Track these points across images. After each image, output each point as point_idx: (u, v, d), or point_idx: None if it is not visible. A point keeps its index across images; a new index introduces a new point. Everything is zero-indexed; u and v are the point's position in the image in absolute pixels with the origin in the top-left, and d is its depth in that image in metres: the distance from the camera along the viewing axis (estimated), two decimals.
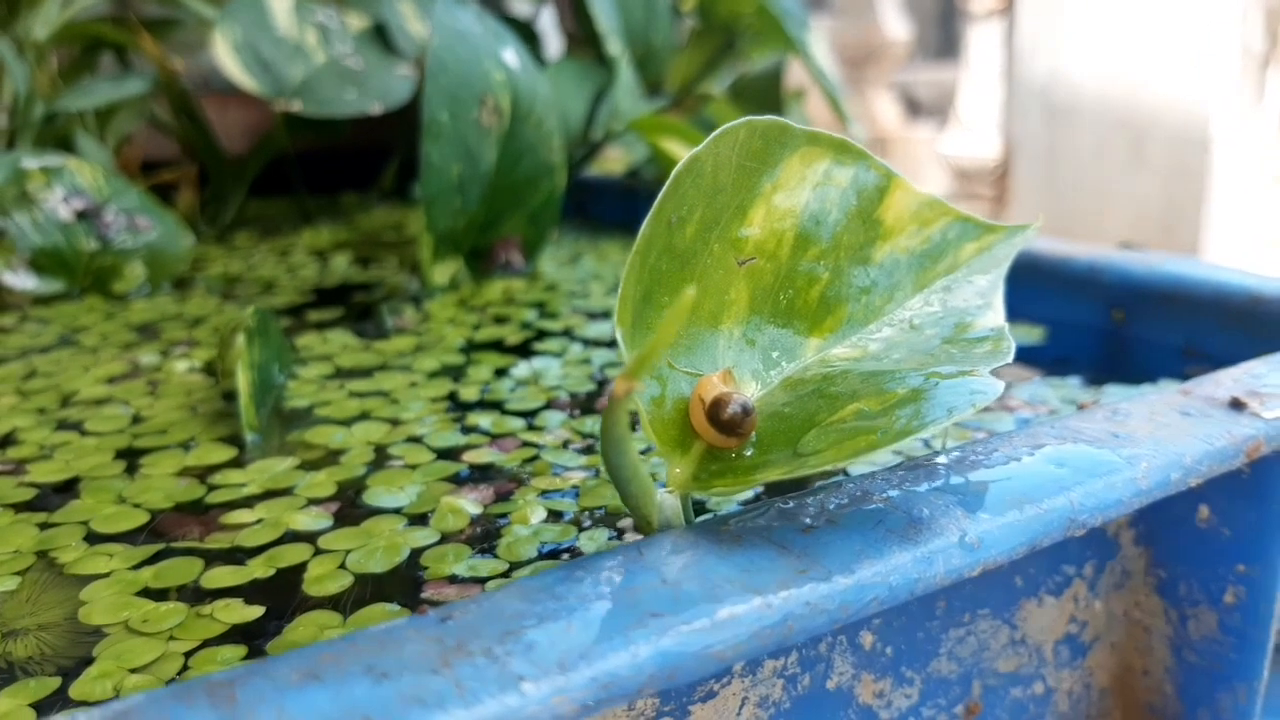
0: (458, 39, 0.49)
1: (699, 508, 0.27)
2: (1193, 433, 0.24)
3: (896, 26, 2.22)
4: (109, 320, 0.49)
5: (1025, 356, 0.42)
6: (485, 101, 0.50)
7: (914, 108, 2.52)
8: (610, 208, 0.74)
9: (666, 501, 0.21)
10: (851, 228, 0.24)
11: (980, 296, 0.25)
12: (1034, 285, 0.44)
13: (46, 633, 0.23)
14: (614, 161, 0.85)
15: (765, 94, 0.82)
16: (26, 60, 0.65)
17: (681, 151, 0.66)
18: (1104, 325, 0.42)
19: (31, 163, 0.54)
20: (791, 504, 0.20)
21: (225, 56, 0.67)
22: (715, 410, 0.20)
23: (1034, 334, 0.43)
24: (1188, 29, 1.49)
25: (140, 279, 0.54)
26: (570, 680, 0.15)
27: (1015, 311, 0.44)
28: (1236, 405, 0.25)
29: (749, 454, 0.21)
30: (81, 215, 0.54)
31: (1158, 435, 0.24)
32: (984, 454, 0.23)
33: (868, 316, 0.24)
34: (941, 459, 0.22)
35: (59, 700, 0.20)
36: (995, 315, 0.25)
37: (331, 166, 0.83)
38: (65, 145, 0.64)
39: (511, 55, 0.52)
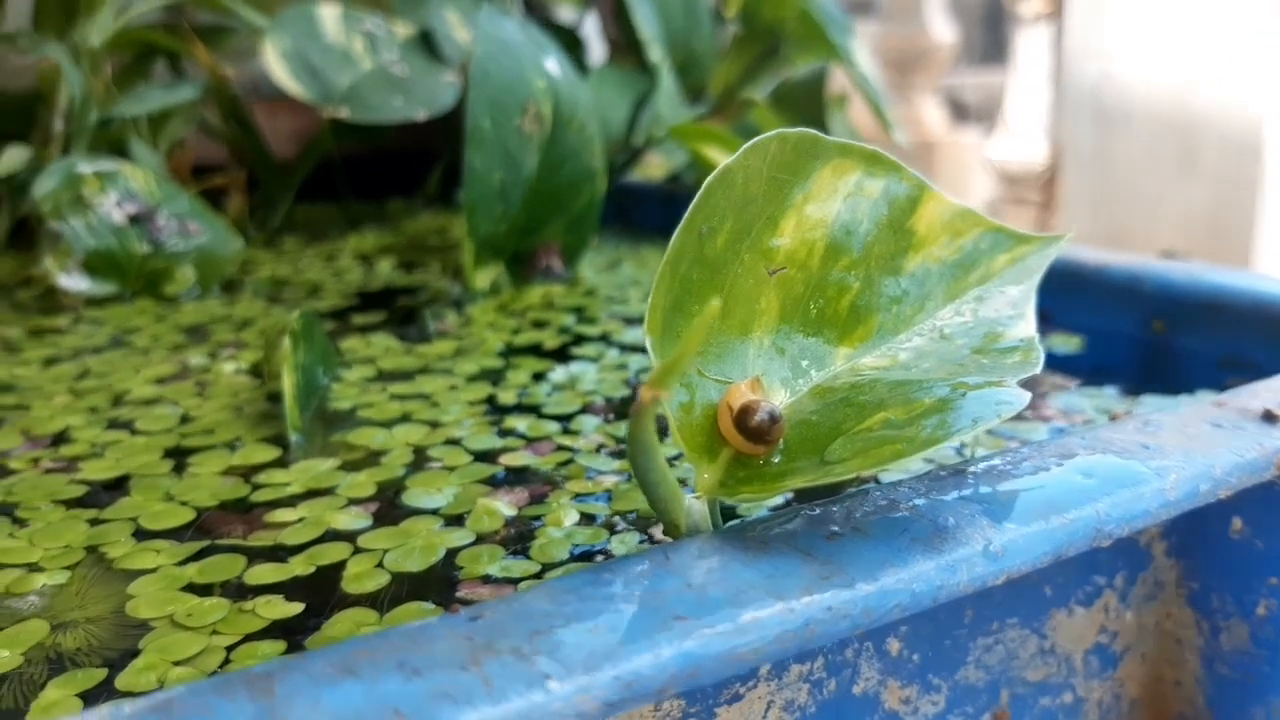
0: (501, 48, 0.50)
1: (729, 513, 0.27)
2: (1223, 444, 0.24)
3: (943, 30, 2.21)
4: (159, 322, 0.50)
5: (1064, 365, 0.42)
6: (527, 109, 0.51)
7: (961, 112, 2.50)
8: (650, 213, 0.74)
9: (694, 507, 0.21)
10: (882, 238, 0.25)
11: (1012, 307, 0.26)
12: (1074, 293, 0.44)
13: (95, 625, 0.24)
14: (655, 167, 0.85)
15: (807, 100, 0.82)
16: (82, 67, 0.67)
17: (721, 158, 0.66)
18: (1144, 335, 0.42)
19: (86, 168, 0.55)
20: (819, 511, 0.21)
21: (275, 64, 0.69)
22: (743, 418, 0.21)
23: (1072, 342, 0.43)
24: (1240, 32, 1.47)
25: (190, 282, 0.56)
26: (594, 679, 0.16)
27: (1054, 320, 0.44)
28: (1269, 417, 0.25)
29: (776, 461, 0.21)
30: (134, 219, 0.55)
31: (1188, 447, 0.24)
32: (1012, 463, 0.23)
33: (898, 326, 0.25)
34: (970, 468, 0.23)
35: (105, 691, 0.21)
36: (1026, 325, 0.25)
37: (377, 171, 0.84)
38: (119, 150, 0.66)
39: (553, 64, 0.53)
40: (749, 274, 0.23)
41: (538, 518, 0.28)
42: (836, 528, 0.20)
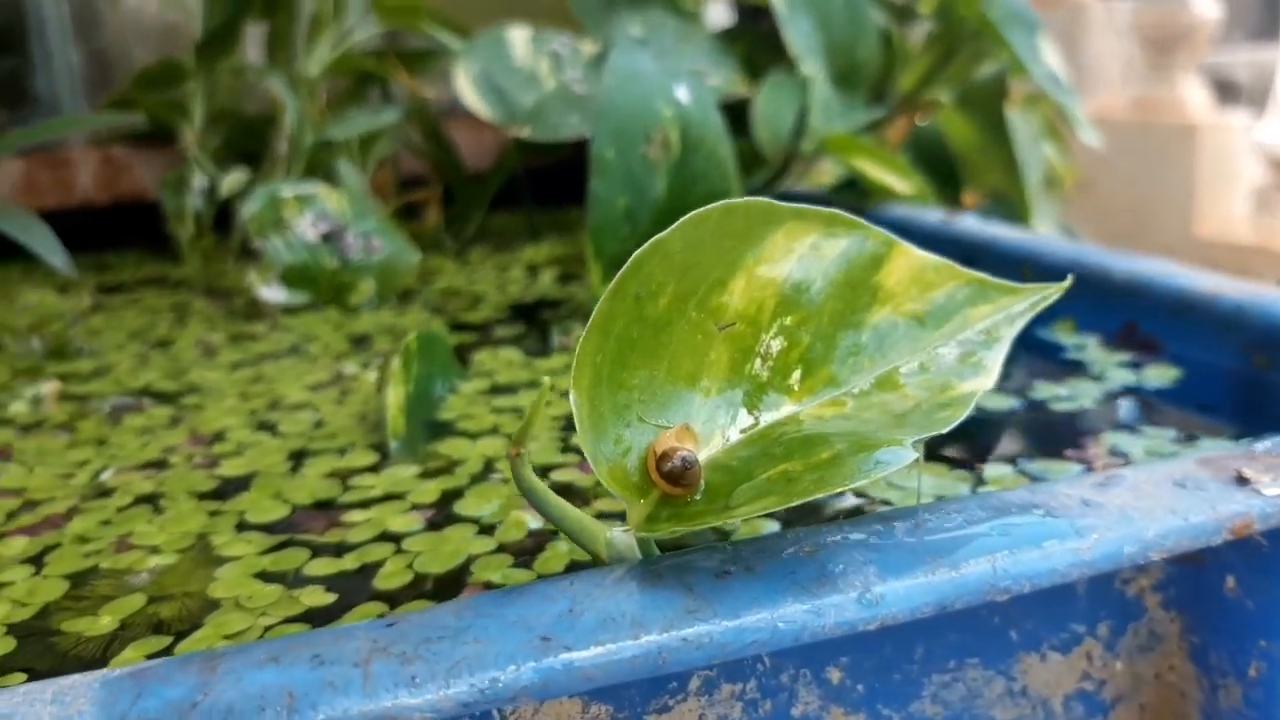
0: (629, 80, 0.54)
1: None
2: (1171, 506, 0.24)
3: (1205, 5, 2.03)
4: (336, 331, 0.58)
5: (1164, 399, 0.41)
6: (652, 137, 0.54)
7: (1230, 92, 2.29)
8: None
9: (618, 539, 0.24)
10: (838, 294, 0.27)
11: (977, 359, 0.27)
12: (1184, 323, 0.43)
13: (189, 600, 0.29)
14: (826, 174, 0.86)
15: (988, 101, 0.81)
16: (300, 95, 0.77)
17: (872, 172, 0.67)
18: (1244, 370, 0.40)
19: (288, 191, 0.64)
20: (727, 549, 0.23)
21: (465, 87, 0.76)
22: (660, 462, 0.23)
23: (1169, 375, 0.42)
24: None
25: (370, 293, 0.63)
26: (453, 684, 0.19)
27: (1165, 350, 0.43)
28: (1241, 480, 0.25)
29: (698, 500, 0.24)
30: (326, 237, 0.63)
31: (1132, 506, 0.24)
32: (936, 514, 0.24)
33: (851, 377, 0.26)
34: (894, 519, 0.24)
35: (165, 655, 0.26)
36: (984, 379, 0.26)
37: (562, 182, 0.90)
38: (330, 169, 0.75)
39: (684, 92, 0.56)
40: (696, 330, 0.25)
41: (556, 533, 0.32)
42: (732, 567, 0.23)
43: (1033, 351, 0.45)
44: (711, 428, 0.25)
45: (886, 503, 0.32)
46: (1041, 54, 0.78)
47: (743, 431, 0.25)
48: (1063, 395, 0.40)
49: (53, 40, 0.85)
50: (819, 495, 0.21)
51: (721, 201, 0.25)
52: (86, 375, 0.51)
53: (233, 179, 0.71)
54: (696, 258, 0.25)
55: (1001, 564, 0.22)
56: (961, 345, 0.27)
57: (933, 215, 0.61)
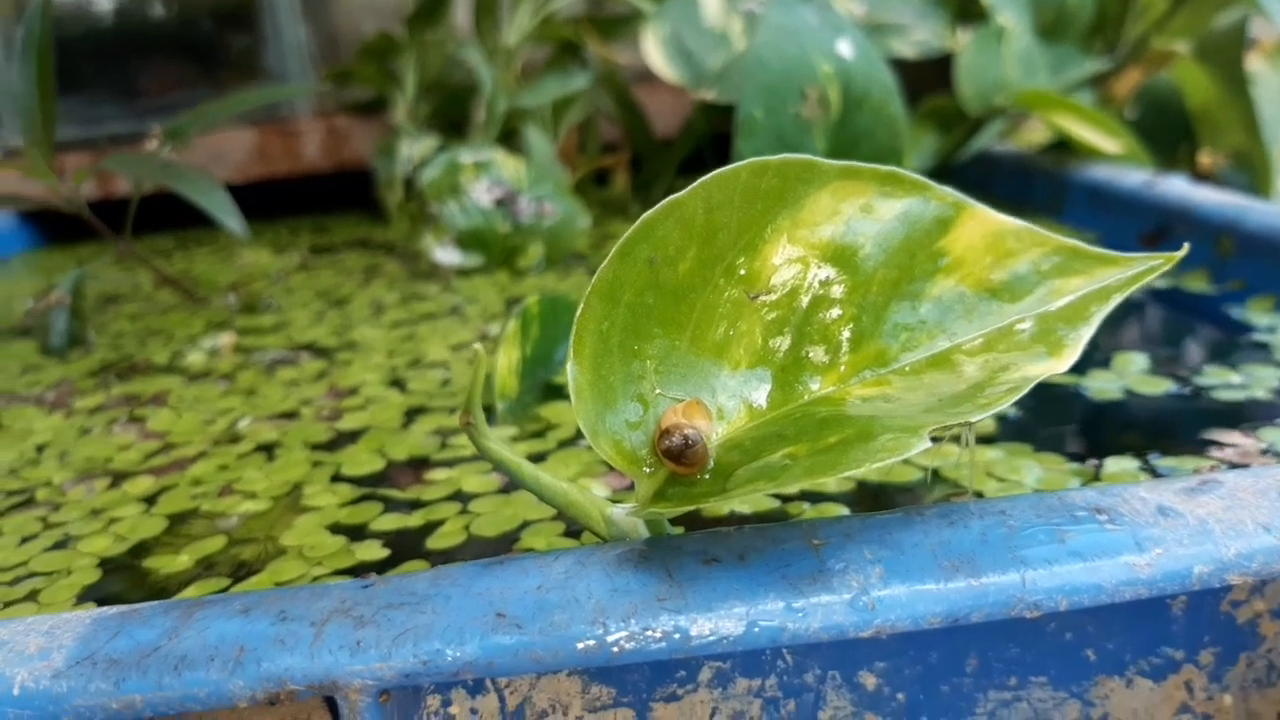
0: (784, 35, 0.51)
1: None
2: (1267, 520, 0.20)
3: None
4: (500, 293, 0.59)
5: None
6: (807, 95, 0.51)
7: None
8: (1009, 183, 0.70)
9: (620, 515, 0.23)
10: (893, 261, 0.24)
11: (1056, 338, 0.23)
12: None
13: (265, 545, 0.31)
14: (1037, 132, 0.79)
15: (1227, 52, 0.71)
16: (496, 64, 0.78)
17: (1074, 129, 0.61)
18: None
19: (467, 158, 0.65)
20: (729, 535, 0.22)
21: (652, 49, 0.75)
22: (661, 439, 0.22)
23: None
24: None
25: (539, 256, 0.64)
26: (394, 652, 0.19)
27: None
28: None
29: (706, 479, 0.22)
30: (500, 202, 0.64)
31: (1218, 517, 0.20)
32: (977, 513, 0.21)
33: (903, 354, 0.24)
34: (927, 517, 0.22)
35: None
36: (1058, 361, 0.23)
37: None
38: (522, 136, 0.76)
39: (846, 46, 0.52)
40: (725, 299, 0.23)
41: (618, 503, 0.30)
42: (722, 554, 0.21)
43: (1213, 328, 0.39)
44: (738, 403, 0.23)
45: (979, 495, 0.29)
46: None
47: (771, 409, 0.23)
48: (1234, 382, 0.35)
49: (283, 18, 0.91)
50: (805, 483, 0.19)
51: (751, 159, 0.23)
52: (265, 329, 0.55)
53: (423, 146, 0.74)
54: (723, 219, 0.23)
55: (1033, 576, 0.20)
56: (1041, 322, 0.24)
57: (1134, 177, 0.55)
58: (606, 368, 0.23)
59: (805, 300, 0.24)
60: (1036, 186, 0.65)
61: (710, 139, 0.81)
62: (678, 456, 0.22)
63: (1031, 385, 0.22)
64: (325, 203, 0.96)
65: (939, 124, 0.74)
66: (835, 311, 0.24)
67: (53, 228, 0.93)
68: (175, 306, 0.63)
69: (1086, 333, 0.23)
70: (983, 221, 0.24)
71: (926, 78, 0.76)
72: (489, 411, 0.39)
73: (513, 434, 0.37)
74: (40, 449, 0.40)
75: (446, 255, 0.64)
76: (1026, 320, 0.24)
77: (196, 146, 0.88)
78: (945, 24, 0.75)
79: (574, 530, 0.29)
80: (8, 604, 0.28)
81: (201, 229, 0.91)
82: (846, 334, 0.24)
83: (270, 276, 0.69)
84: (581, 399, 0.22)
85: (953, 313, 0.24)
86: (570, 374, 0.22)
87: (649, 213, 0.23)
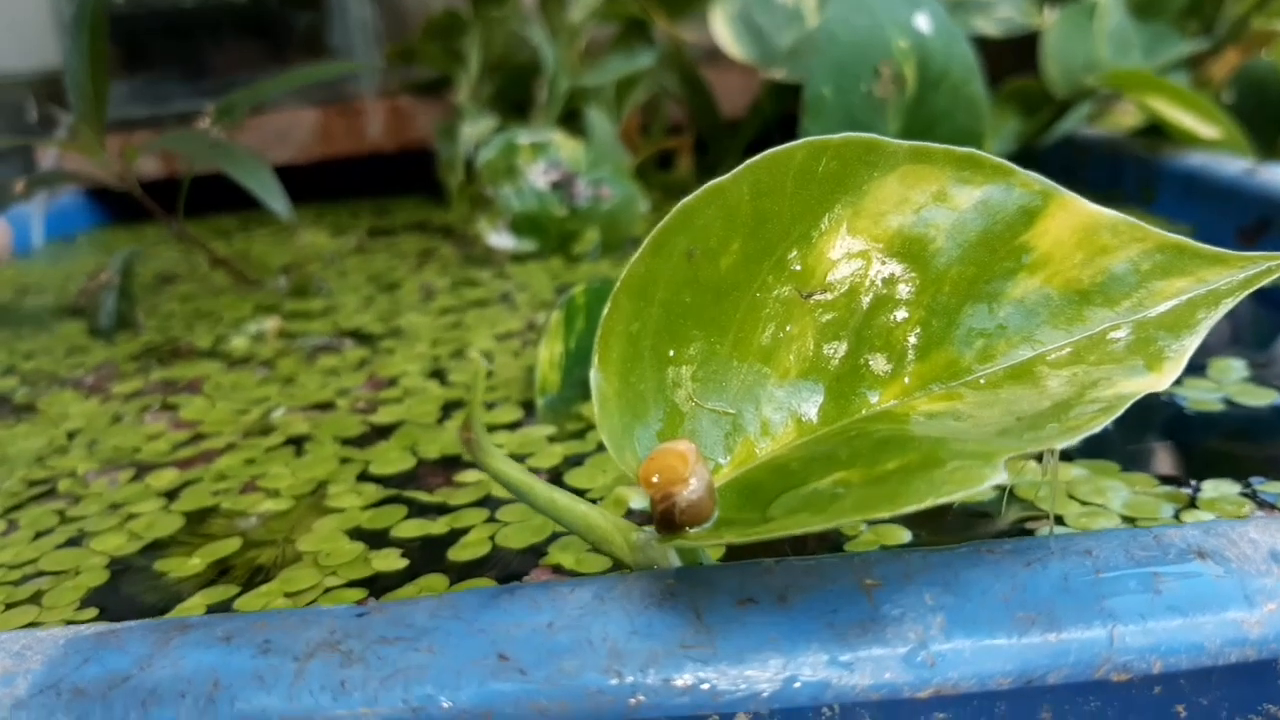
0: (856, 9, 0.48)
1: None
2: None
3: None
4: (552, 280, 0.56)
5: None
6: (880, 72, 0.48)
7: None
8: (1097, 170, 0.65)
9: (647, 542, 0.20)
10: (969, 257, 0.21)
11: (1156, 349, 0.20)
12: None
13: (281, 549, 0.29)
14: (1128, 115, 0.74)
15: None
16: (560, 42, 0.76)
17: (1170, 112, 0.57)
18: None
19: (524, 139, 0.63)
20: (770, 568, 0.19)
21: (721, 26, 0.72)
22: (652, 502, 0.19)
23: None
24: None
25: (595, 242, 0.62)
26: (383, 697, 0.17)
27: None
28: None
29: (741, 510, 0.20)
30: (556, 185, 0.62)
31: None
32: (1059, 552, 0.18)
33: (978, 364, 0.21)
34: (1000, 556, 0.19)
35: (225, 607, 0.26)
36: (1160, 377, 0.20)
37: None
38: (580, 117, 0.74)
39: (924, 20, 0.49)
40: (773, 298, 0.21)
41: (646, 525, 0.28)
42: (761, 593, 0.18)
43: None
44: (785, 417, 0.21)
45: (1059, 520, 0.26)
46: None
47: (824, 424, 0.21)
48: None
49: None
50: (856, 518, 0.17)
51: (808, 139, 0.20)
52: (313, 314, 0.53)
53: (482, 126, 0.72)
54: (773, 208, 0.20)
55: (1123, 632, 0.17)
56: (1138, 330, 0.20)
57: (1234, 165, 0.50)
58: (636, 375, 0.20)
59: (866, 300, 0.21)
60: (1126, 174, 0.61)
61: (778, 120, 0.78)
62: (670, 525, 0.19)
63: (1127, 405, 0.19)
64: (388, 184, 0.94)
65: (1022, 107, 0.70)
66: (901, 314, 0.21)
67: (118, 206, 0.94)
68: (227, 288, 0.62)
69: (1192, 343, 0.20)
70: (1074, 213, 0.21)
71: (1007, 58, 0.72)
72: (528, 407, 0.37)
73: (550, 433, 0.34)
74: (71, 436, 0.39)
75: (501, 239, 0.62)
76: (1122, 327, 0.21)
77: (261, 126, 0.88)
78: (1031, 0, 0.71)
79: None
80: (10, 605, 0.27)
81: (262, 210, 0.91)
82: (913, 340, 0.21)
83: (325, 259, 0.68)
84: (606, 410, 0.20)
85: (1036, 317, 0.21)
86: (594, 382, 0.20)
87: (687, 199, 0.20)
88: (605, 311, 0.20)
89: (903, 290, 0.21)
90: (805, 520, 0.17)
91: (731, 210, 0.20)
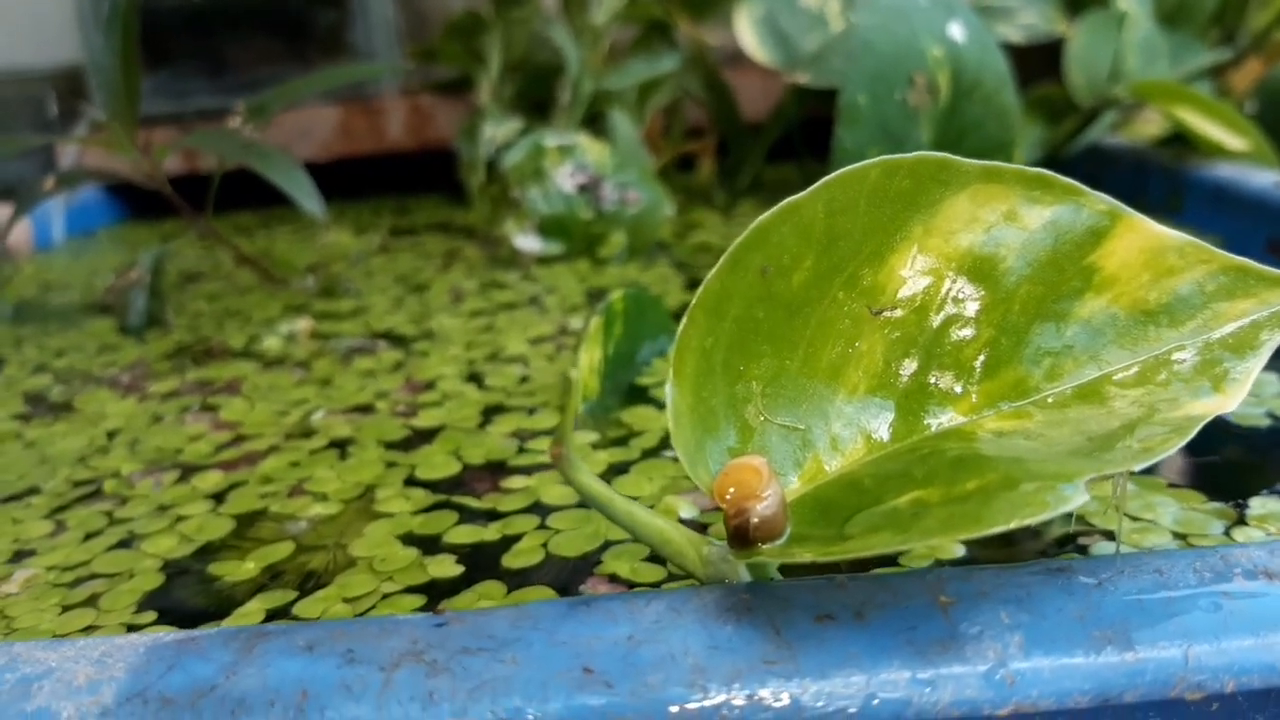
0: (891, 16, 0.48)
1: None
2: None
3: None
4: (580, 283, 0.57)
5: None
6: (915, 81, 0.48)
7: None
8: (1120, 180, 0.66)
9: (719, 557, 0.20)
10: (1038, 276, 0.21)
11: (1221, 371, 0.20)
12: None
13: (333, 554, 0.29)
14: (1151, 125, 0.74)
15: None
16: (582, 44, 0.76)
17: (1197, 123, 0.57)
18: None
19: (551, 141, 0.63)
20: (844, 585, 0.19)
21: (745, 30, 0.72)
22: (726, 518, 0.20)
23: None
24: None
25: (621, 245, 0.62)
26: (472, 709, 0.17)
27: None
28: None
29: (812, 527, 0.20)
30: (583, 188, 0.62)
31: None
32: (1128, 571, 0.19)
33: (1046, 383, 0.21)
34: (1071, 574, 0.19)
35: (284, 612, 0.26)
36: (1226, 398, 0.20)
37: None
38: (602, 120, 0.74)
39: (958, 28, 0.49)
40: (844, 314, 0.21)
41: (705, 526, 0.28)
42: (837, 610, 0.18)
43: None
44: (854, 434, 0.21)
45: (1110, 535, 0.26)
46: None
47: (893, 442, 0.21)
48: None
49: None
50: (941, 539, 0.17)
51: (882, 157, 0.20)
52: (343, 315, 0.54)
53: (507, 128, 0.72)
54: (846, 225, 0.21)
55: (1198, 652, 0.17)
56: (1204, 351, 0.21)
57: (1263, 177, 0.51)
58: (708, 389, 0.20)
59: (936, 318, 0.21)
60: (1152, 184, 0.61)
61: (801, 124, 0.78)
62: (743, 540, 0.19)
63: (1197, 428, 0.19)
64: (407, 183, 0.95)
65: (1045, 114, 0.70)
66: (969, 331, 0.21)
67: (138, 202, 0.94)
68: (254, 287, 0.62)
69: (1256, 365, 0.20)
70: (1141, 234, 0.21)
71: (1029, 64, 0.72)
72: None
73: (594, 439, 0.35)
74: (111, 435, 0.39)
75: (527, 242, 0.62)
76: (1187, 349, 0.21)
77: (282, 122, 0.88)
78: (1054, 7, 0.71)
79: (658, 556, 0.27)
80: (66, 608, 0.27)
81: (284, 207, 0.90)
82: (981, 358, 0.21)
83: (350, 258, 0.68)
84: (680, 424, 0.20)
85: (1103, 337, 0.21)
86: (669, 396, 0.20)
87: (764, 216, 0.20)
88: (681, 326, 0.20)
89: (972, 308, 0.21)
90: (888, 540, 0.17)
91: (806, 227, 0.21)
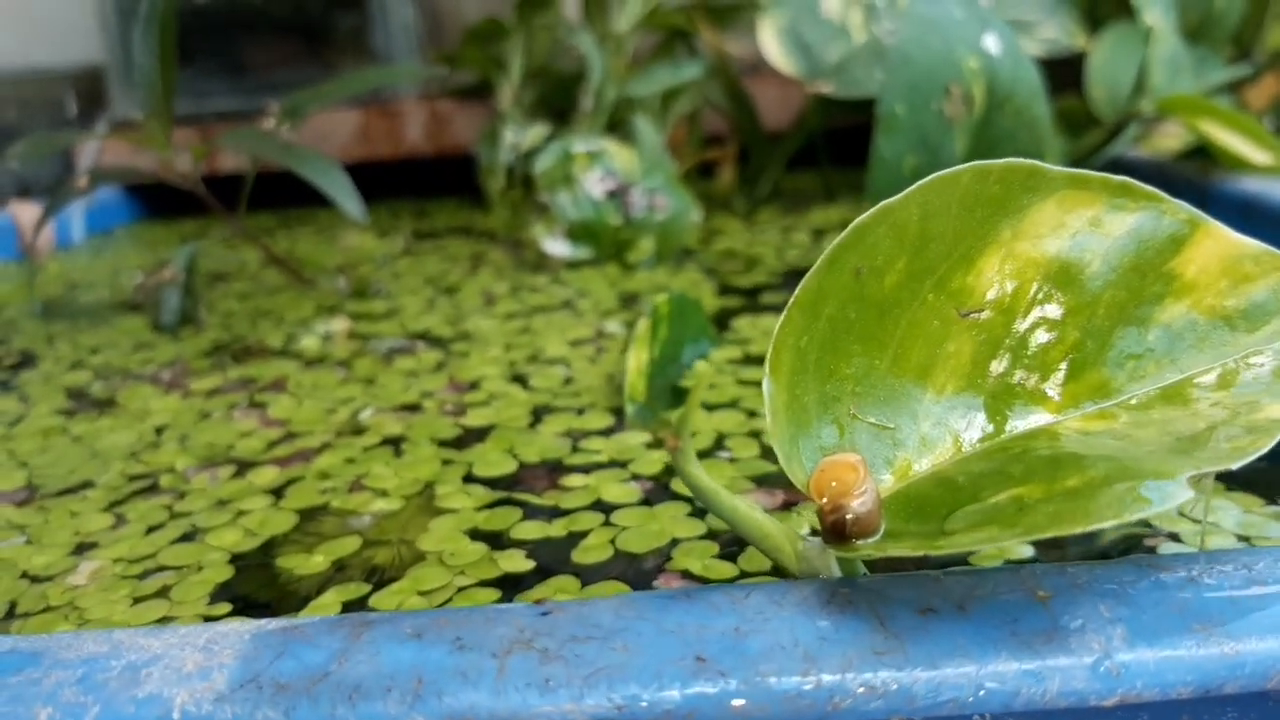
0: (929, 29, 0.49)
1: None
2: None
3: None
4: (610, 287, 0.57)
5: None
6: (951, 92, 0.49)
7: None
8: None
9: (813, 550, 0.21)
10: (1121, 281, 0.22)
11: None
12: None
13: (401, 548, 0.29)
14: (1173, 139, 0.75)
15: None
16: (605, 51, 0.77)
17: (1221, 136, 0.57)
18: None
19: (580, 147, 0.64)
20: (940, 580, 0.20)
21: (769, 40, 0.73)
22: (821, 514, 0.20)
23: None
24: None
25: (649, 251, 0.62)
26: (589, 695, 0.17)
27: None
28: None
29: (907, 523, 0.20)
30: (611, 194, 0.63)
31: None
32: (1217, 566, 0.19)
33: (1129, 385, 0.21)
34: (1164, 569, 0.19)
35: (359, 605, 0.26)
36: None
37: (865, 141, 0.85)
38: (628, 126, 0.75)
39: (993, 41, 0.50)
40: (933, 315, 0.21)
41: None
42: (939, 603, 0.19)
43: None
44: (943, 433, 0.21)
45: (1174, 538, 0.27)
46: None
47: (982, 441, 0.21)
48: None
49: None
50: (1052, 533, 0.17)
51: (974, 163, 0.21)
52: (377, 316, 0.54)
53: (533, 134, 0.73)
54: (938, 228, 0.21)
55: None
56: (1279, 356, 0.21)
57: None
58: (802, 387, 0.21)
59: (1021, 320, 0.22)
60: (1176, 197, 0.62)
61: (823, 134, 0.79)
62: (840, 535, 0.20)
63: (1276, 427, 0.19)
64: (425, 187, 0.95)
65: (1067, 127, 0.71)
66: (1054, 334, 0.22)
67: (157, 201, 0.94)
68: (283, 287, 0.62)
69: None
70: (1220, 241, 0.22)
71: (1049, 78, 0.73)
72: (617, 414, 0.38)
73: (645, 440, 0.35)
74: (159, 431, 0.39)
75: (556, 246, 0.62)
76: (1265, 353, 0.21)
77: (303, 125, 0.88)
78: (1075, 21, 0.72)
79: (728, 553, 0.27)
80: (138, 600, 0.27)
81: (303, 208, 0.91)
82: (1066, 360, 0.22)
83: (376, 260, 0.69)
84: (776, 420, 0.20)
85: (1183, 341, 0.22)
86: (766, 392, 0.20)
87: (860, 219, 0.21)
88: (778, 324, 0.21)
89: (1056, 311, 0.22)
90: (995, 533, 0.18)
91: (900, 229, 0.21)
